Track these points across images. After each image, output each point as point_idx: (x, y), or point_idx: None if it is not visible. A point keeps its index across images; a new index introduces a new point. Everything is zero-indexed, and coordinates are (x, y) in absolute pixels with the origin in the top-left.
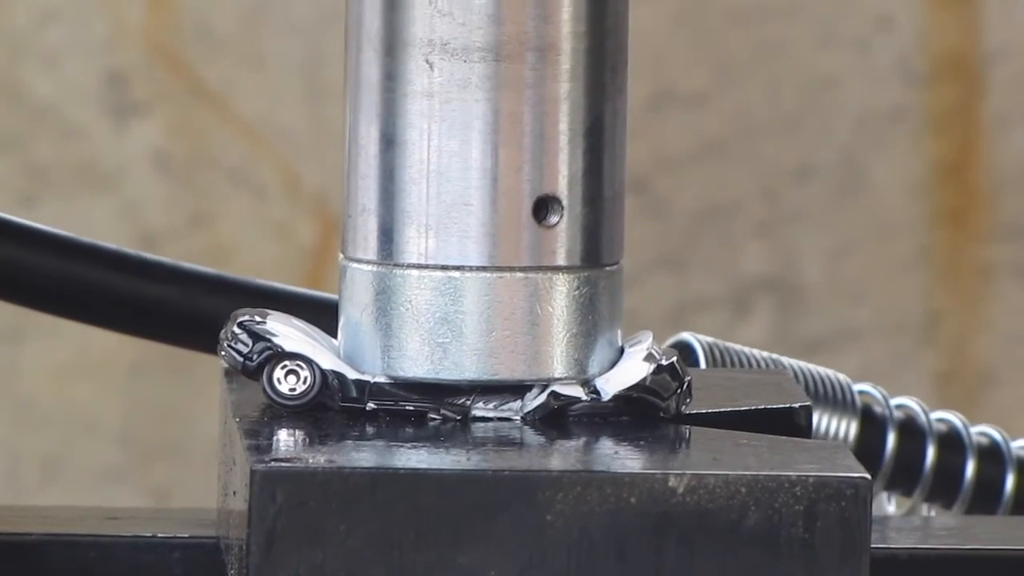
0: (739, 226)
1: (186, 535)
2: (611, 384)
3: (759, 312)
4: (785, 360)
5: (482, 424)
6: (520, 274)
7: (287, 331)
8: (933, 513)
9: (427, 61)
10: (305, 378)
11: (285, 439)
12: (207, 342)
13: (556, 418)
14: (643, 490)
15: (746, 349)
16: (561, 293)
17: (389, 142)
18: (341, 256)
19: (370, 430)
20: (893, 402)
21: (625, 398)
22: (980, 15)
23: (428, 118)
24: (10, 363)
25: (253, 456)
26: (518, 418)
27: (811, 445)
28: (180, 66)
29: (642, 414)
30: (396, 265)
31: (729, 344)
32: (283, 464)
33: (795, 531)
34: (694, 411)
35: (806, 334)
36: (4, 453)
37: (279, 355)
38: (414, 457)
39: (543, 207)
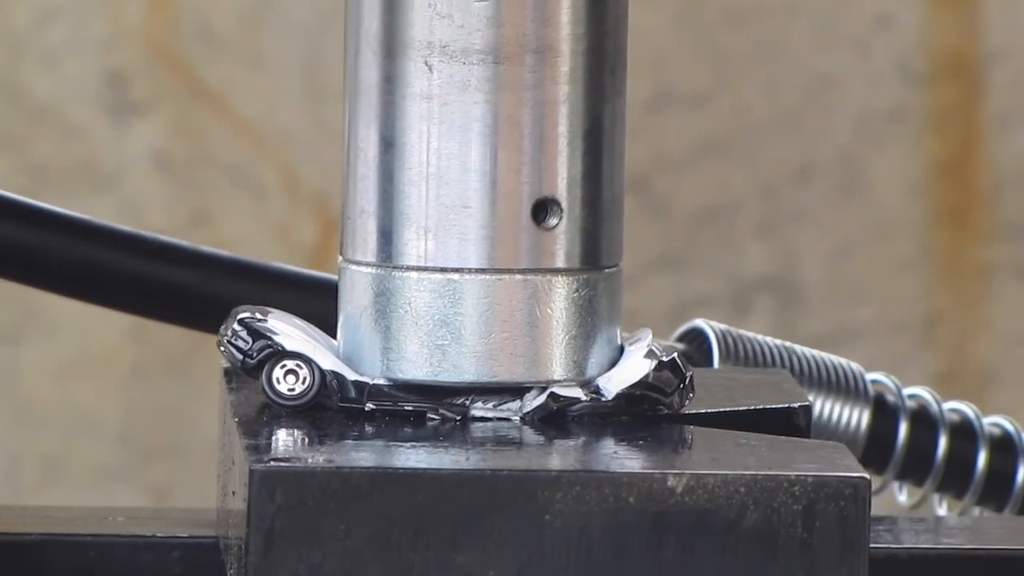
0: (739, 226)
1: (186, 535)
2: (613, 383)
3: (759, 312)
4: (798, 348)
5: (481, 424)
6: (519, 276)
7: (288, 330)
8: (944, 504)
9: (426, 63)
10: (304, 378)
11: (284, 439)
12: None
13: (555, 418)
14: (642, 490)
15: (758, 336)
16: (560, 295)
17: (388, 144)
18: (340, 258)
19: (369, 430)
20: (906, 392)
21: (628, 396)
22: (980, 15)
23: (427, 120)
24: (10, 363)
25: (252, 456)
26: (517, 418)
27: (810, 445)
28: (180, 66)
29: (646, 412)
30: (395, 267)
31: (742, 331)
32: (282, 464)
33: (794, 531)
34: (694, 411)
35: (806, 334)
36: (4, 453)
37: (279, 354)
38: (413, 457)
39: (542, 209)
